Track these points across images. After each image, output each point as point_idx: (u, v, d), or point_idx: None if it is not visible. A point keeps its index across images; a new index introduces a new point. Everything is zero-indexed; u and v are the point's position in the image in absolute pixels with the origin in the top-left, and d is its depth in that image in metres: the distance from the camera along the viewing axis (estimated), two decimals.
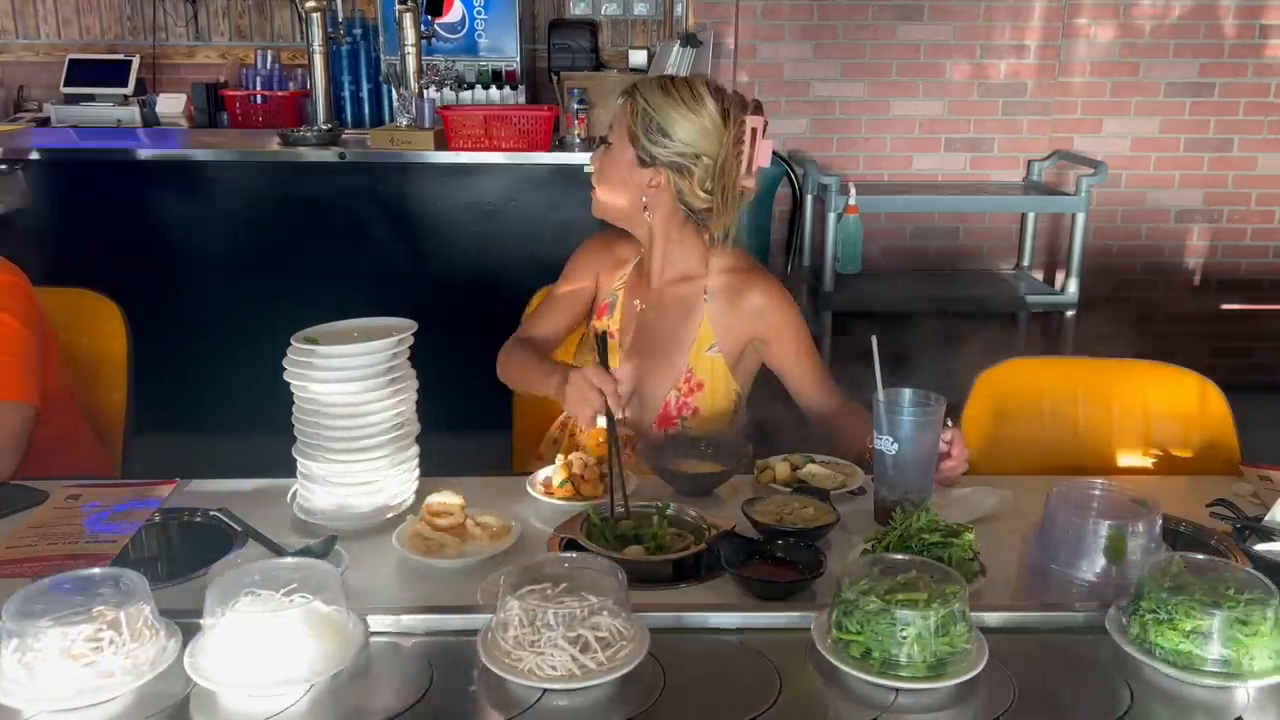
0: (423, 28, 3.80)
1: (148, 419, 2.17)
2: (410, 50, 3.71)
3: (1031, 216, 4.53)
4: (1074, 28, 4.39)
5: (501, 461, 2.16)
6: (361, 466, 1.45)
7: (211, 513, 1.46)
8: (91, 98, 4.48)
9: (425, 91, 3.75)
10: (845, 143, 4.51)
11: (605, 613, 1.07)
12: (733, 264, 1.85)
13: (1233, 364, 4.53)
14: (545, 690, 1.04)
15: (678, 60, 3.96)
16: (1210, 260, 4.62)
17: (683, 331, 1.84)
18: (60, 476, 1.62)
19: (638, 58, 4.52)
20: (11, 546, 1.38)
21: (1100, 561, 1.26)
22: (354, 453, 1.44)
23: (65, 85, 4.53)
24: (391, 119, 4.23)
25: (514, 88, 4.39)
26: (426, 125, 3.60)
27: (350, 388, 1.43)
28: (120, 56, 4.62)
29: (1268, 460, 1.70)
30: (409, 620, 1.18)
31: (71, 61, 4.57)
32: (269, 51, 4.69)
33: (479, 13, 4.42)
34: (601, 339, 1.71)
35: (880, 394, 1.45)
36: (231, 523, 1.43)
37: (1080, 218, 4.10)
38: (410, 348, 1.49)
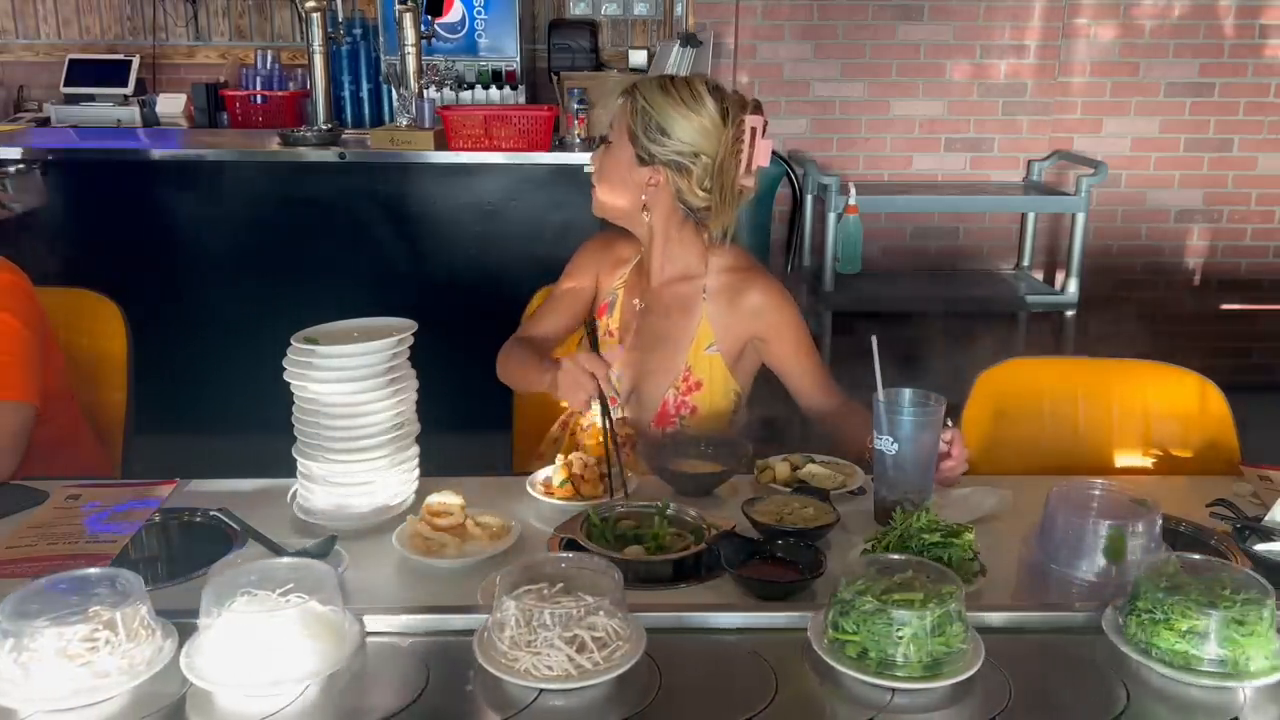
0: (423, 28, 3.81)
1: (148, 419, 2.17)
2: (410, 50, 3.71)
3: (1031, 216, 4.53)
4: (1074, 28, 4.39)
5: (501, 461, 2.16)
6: (361, 466, 1.45)
7: (211, 513, 1.47)
8: (91, 98, 4.49)
9: (425, 91, 3.76)
10: (845, 143, 4.51)
11: (601, 613, 1.07)
12: (732, 263, 1.85)
13: (1233, 364, 4.53)
14: (541, 690, 1.04)
15: (678, 60, 3.96)
16: (1210, 260, 4.62)
17: (681, 330, 1.84)
18: (60, 476, 1.62)
19: (638, 58, 4.52)
20: (11, 546, 1.38)
21: (1100, 561, 1.26)
22: (354, 453, 1.44)
23: (65, 85, 4.53)
24: (391, 119, 4.23)
25: (514, 88, 4.39)
26: (426, 125, 3.60)
27: (350, 388, 1.43)
28: (120, 56, 4.62)
29: (1268, 460, 1.70)
30: (405, 620, 1.18)
31: (71, 61, 4.58)
32: (269, 51, 4.69)
33: (479, 13, 4.42)
34: (590, 324, 1.72)
35: (880, 394, 1.45)
36: (231, 523, 1.43)
37: (1080, 218, 4.10)
38: (410, 348, 1.49)
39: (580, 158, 3.44)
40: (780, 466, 1.62)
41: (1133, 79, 4.42)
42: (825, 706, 1.07)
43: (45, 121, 4.44)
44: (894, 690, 1.06)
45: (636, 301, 1.90)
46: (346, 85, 4.57)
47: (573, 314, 1.95)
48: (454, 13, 4.40)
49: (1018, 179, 4.54)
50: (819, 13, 4.39)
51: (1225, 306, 4.65)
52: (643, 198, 1.79)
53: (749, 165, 1.74)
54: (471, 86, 4.38)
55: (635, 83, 1.79)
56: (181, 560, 1.40)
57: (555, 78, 4.26)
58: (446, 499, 1.41)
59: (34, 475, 1.63)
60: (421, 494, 1.48)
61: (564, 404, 2.01)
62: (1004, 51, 4.42)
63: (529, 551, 1.38)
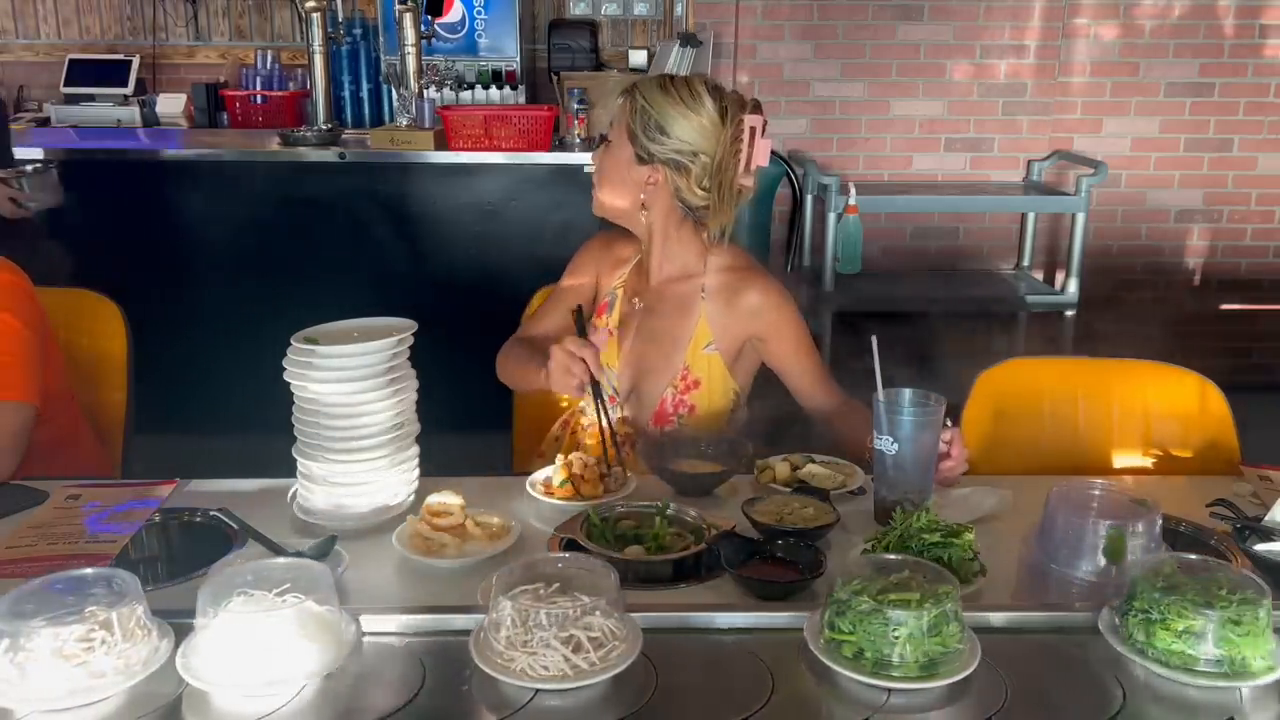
0: (423, 28, 3.81)
1: (148, 419, 2.17)
2: (410, 50, 3.71)
3: (1031, 216, 4.53)
4: (1074, 28, 4.38)
5: (501, 461, 2.16)
6: (361, 466, 1.45)
7: (211, 513, 1.47)
8: (91, 98, 4.49)
9: (425, 91, 3.76)
10: (845, 143, 4.51)
11: (598, 613, 1.07)
12: (731, 262, 1.85)
13: (1233, 364, 4.52)
14: (537, 690, 1.04)
15: (678, 60, 3.96)
16: (1210, 260, 4.62)
17: (680, 329, 1.84)
18: (60, 476, 1.62)
19: (638, 58, 4.52)
20: (11, 546, 1.38)
21: (1100, 561, 1.26)
22: (354, 453, 1.44)
23: (65, 85, 4.53)
24: (391, 119, 4.23)
25: (514, 88, 4.39)
26: (426, 125, 3.61)
27: (350, 388, 1.43)
28: (120, 56, 4.62)
29: (1268, 460, 1.69)
30: (402, 620, 1.18)
31: (71, 61, 4.58)
32: (269, 51, 4.69)
33: (479, 13, 4.42)
34: (578, 311, 1.73)
35: (880, 394, 1.45)
36: (231, 523, 1.43)
37: (1080, 218, 4.10)
38: (410, 348, 1.49)
39: (580, 158, 3.44)
40: (780, 466, 1.61)
41: (1133, 79, 4.42)
42: (821, 707, 1.07)
43: (45, 121, 4.44)
44: (890, 690, 1.06)
45: (635, 300, 1.90)
46: (346, 85, 4.57)
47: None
48: (454, 13, 4.40)
49: (1018, 179, 4.54)
50: (819, 13, 4.39)
51: (1225, 306, 4.65)
52: (641, 196, 1.79)
53: (748, 164, 1.74)
54: (471, 86, 4.38)
55: (635, 82, 1.79)
56: (181, 560, 1.40)
57: (555, 78, 4.26)
58: (446, 499, 1.41)
59: (34, 475, 1.63)
60: (421, 494, 1.48)
61: (563, 403, 2.01)
62: (1004, 51, 4.42)
63: (529, 551, 1.38)
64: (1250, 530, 1.39)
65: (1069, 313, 4.18)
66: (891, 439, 1.43)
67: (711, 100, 1.72)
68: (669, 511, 1.42)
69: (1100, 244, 4.52)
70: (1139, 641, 1.10)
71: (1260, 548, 1.35)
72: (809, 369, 1.83)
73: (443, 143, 3.51)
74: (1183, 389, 1.90)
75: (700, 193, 1.76)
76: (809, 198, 4.33)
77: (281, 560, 1.21)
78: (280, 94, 4.51)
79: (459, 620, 1.17)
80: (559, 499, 1.52)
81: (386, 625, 1.17)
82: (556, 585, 1.10)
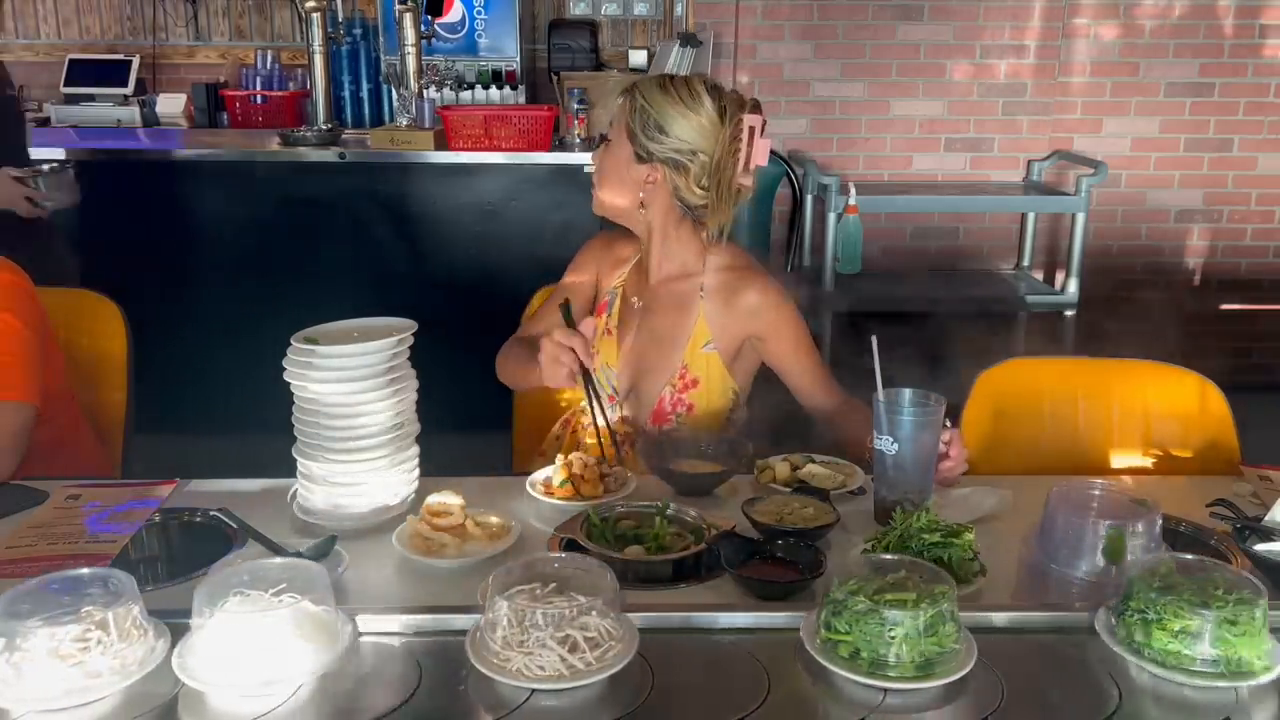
0: (423, 28, 3.81)
1: (148, 419, 2.17)
2: (410, 50, 3.71)
3: (1031, 216, 4.53)
4: (1074, 28, 4.38)
5: (501, 461, 2.16)
6: (361, 466, 1.45)
7: (211, 513, 1.47)
8: (91, 98, 4.49)
9: (425, 91, 3.76)
10: (845, 143, 4.51)
11: (594, 613, 1.07)
12: (730, 262, 1.85)
13: (1233, 364, 4.52)
14: (534, 690, 1.04)
15: (677, 60, 3.96)
16: (1210, 260, 4.62)
17: (678, 328, 1.84)
18: (60, 476, 1.62)
19: (638, 58, 4.52)
20: (11, 546, 1.38)
21: (1100, 561, 1.26)
22: (354, 453, 1.44)
23: (65, 85, 4.53)
24: (391, 119, 4.23)
25: (514, 88, 4.39)
26: (426, 125, 3.61)
27: (350, 388, 1.43)
28: (120, 56, 4.62)
29: (1268, 460, 1.69)
30: (401, 620, 1.18)
31: (71, 61, 4.58)
32: (269, 51, 4.69)
33: (479, 13, 4.43)
34: (565, 305, 1.74)
35: (880, 394, 1.45)
36: (231, 523, 1.43)
37: (1080, 218, 4.10)
38: (410, 348, 1.49)
39: (580, 158, 3.45)
40: (780, 466, 1.61)
41: (1133, 79, 4.42)
42: (818, 707, 1.07)
43: (45, 122, 4.44)
44: (886, 690, 1.06)
45: (635, 299, 1.90)
46: (346, 85, 4.57)
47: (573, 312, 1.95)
48: (454, 13, 4.40)
49: (1018, 179, 4.54)
50: (819, 13, 4.39)
51: (1225, 306, 4.65)
52: (640, 195, 1.79)
53: (747, 164, 1.74)
54: (471, 86, 4.38)
55: (635, 82, 1.79)
56: (181, 560, 1.40)
57: (555, 78, 4.26)
58: (446, 499, 1.41)
59: (34, 475, 1.63)
60: (421, 494, 1.48)
61: (564, 403, 2.01)
62: (1004, 51, 4.42)
63: (529, 551, 1.38)
64: (1250, 530, 1.39)
65: (1069, 313, 4.18)
66: (891, 439, 1.43)
67: (710, 100, 1.72)
68: (669, 511, 1.42)
69: (1100, 244, 4.52)
70: (1135, 641, 1.10)
71: (1260, 548, 1.35)
72: (809, 368, 1.83)
73: (443, 143, 3.51)
74: (1183, 389, 1.90)
75: (699, 192, 1.76)
76: (809, 198, 4.33)
77: (278, 560, 1.20)
78: (280, 94, 4.51)
79: (458, 620, 1.17)
80: (559, 499, 1.52)
81: (385, 625, 1.17)
82: (553, 585, 1.10)
